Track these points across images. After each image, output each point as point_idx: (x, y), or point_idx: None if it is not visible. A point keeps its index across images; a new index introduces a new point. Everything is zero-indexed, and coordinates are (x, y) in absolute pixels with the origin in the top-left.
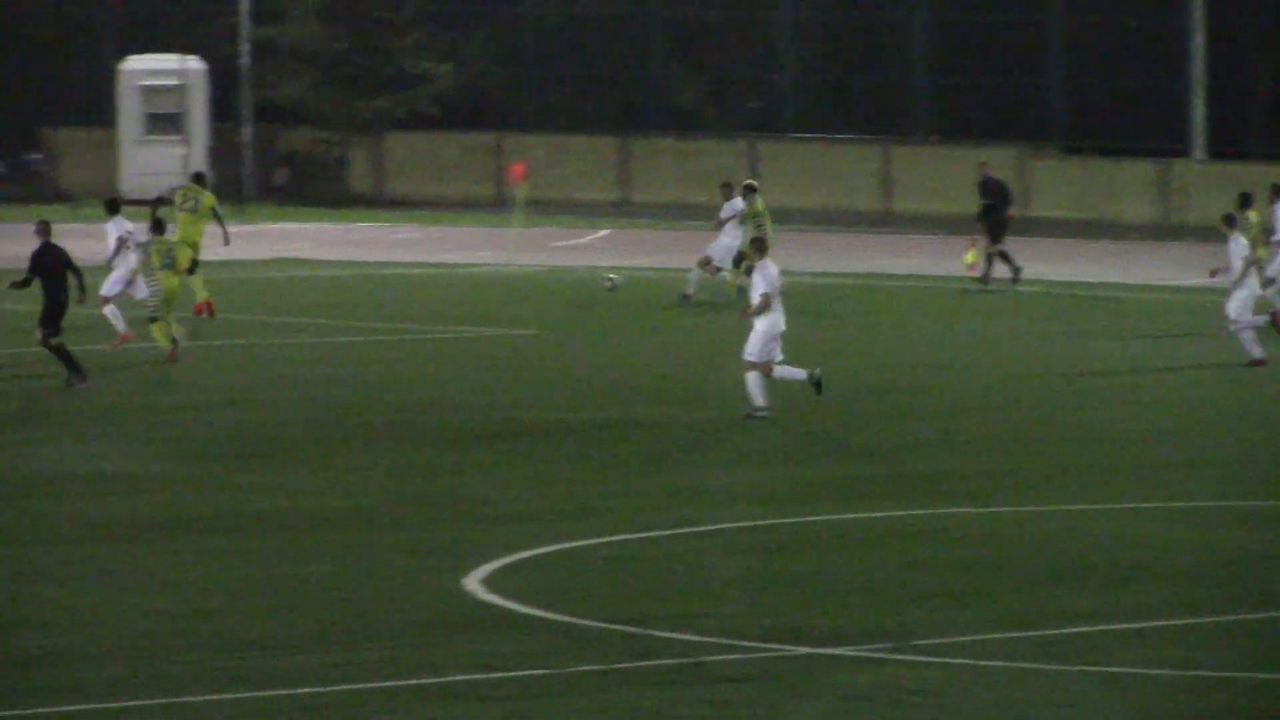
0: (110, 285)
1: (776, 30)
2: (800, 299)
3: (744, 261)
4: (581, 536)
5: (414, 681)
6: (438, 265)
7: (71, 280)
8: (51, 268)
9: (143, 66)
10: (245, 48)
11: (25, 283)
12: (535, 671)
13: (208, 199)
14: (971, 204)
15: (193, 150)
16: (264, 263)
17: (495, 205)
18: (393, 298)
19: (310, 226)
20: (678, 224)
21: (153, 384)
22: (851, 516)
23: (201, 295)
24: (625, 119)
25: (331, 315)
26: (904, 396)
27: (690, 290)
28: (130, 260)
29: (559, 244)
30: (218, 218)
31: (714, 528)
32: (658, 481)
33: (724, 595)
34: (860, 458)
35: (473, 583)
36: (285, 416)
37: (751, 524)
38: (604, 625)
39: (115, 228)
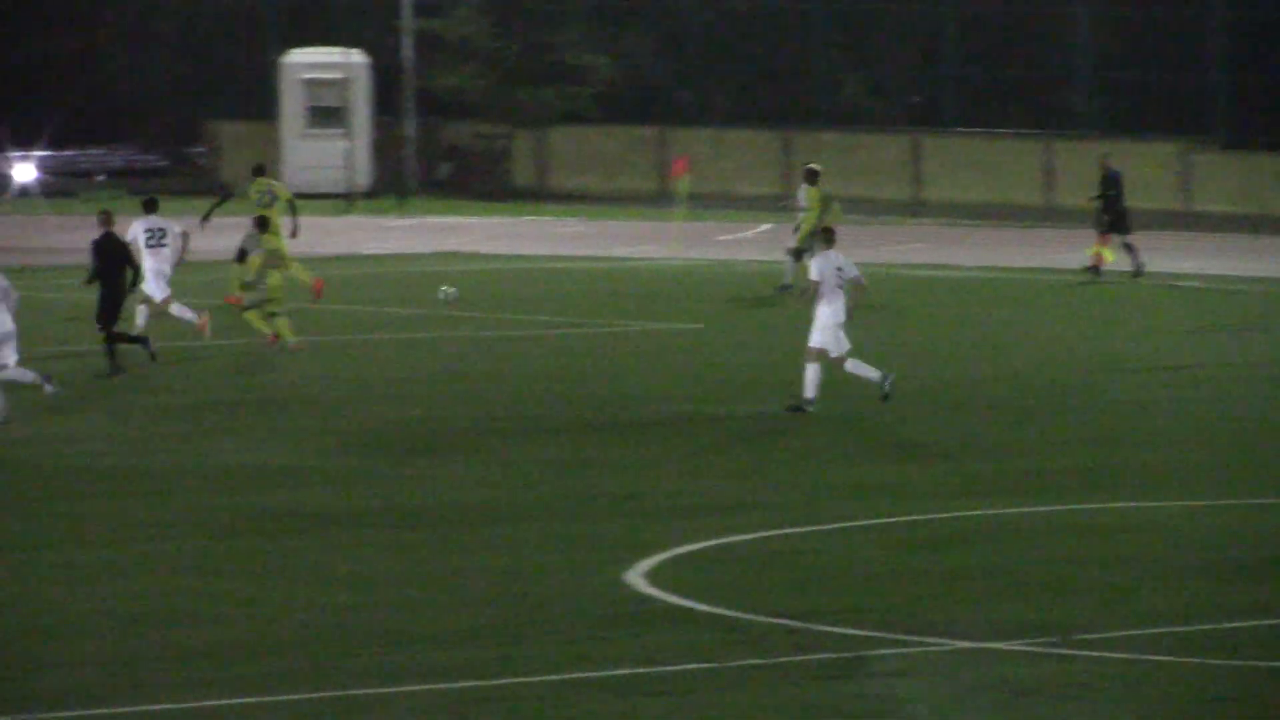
0: (156, 289)
1: (938, 23)
2: (949, 294)
3: (804, 253)
4: (743, 531)
5: (577, 675)
6: (601, 259)
7: (128, 271)
8: (111, 258)
9: (305, 60)
10: (408, 41)
11: (95, 275)
12: (697, 665)
13: (284, 192)
14: (1137, 199)
15: (355, 144)
16: (427, 256)
17: (658, 199)
18: (556, 292)
19: (473, 220)
20: (842, 218)
21: (315, 378)
22: (1004, 511)
23: (305, 278)
24: (787, 113)
25: (494, 309)
26: (1058, 394)
27: (788, 280)
28: (149, 258)
29: (723, 238)
30: (293, 210)
31: (871, 522)
32: (817, 476)
33: (883, 589)
34: (1006, 453)
35: (635, 577)
36: (449, 410)
37: (908, 519)
38: (765, 619)
39: (140, 226)
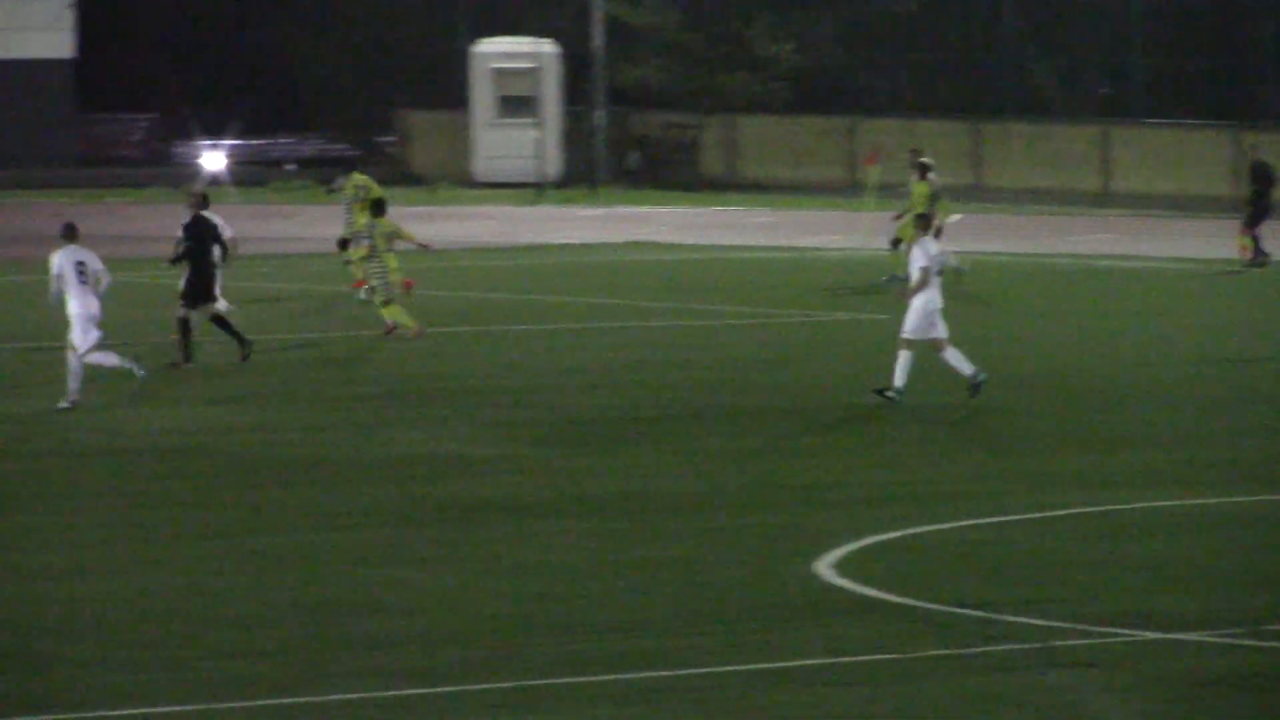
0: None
1: (1127, 13)
2: (1134, 284)
3: (900, 243)
4: (931, 521)
5: (763, 666)
6: (789, 249)
7: (217, 251)
8: (202, 239)
9: (496, 49)
10: (598, 30)
11: (184, 255)
12: (884, 656)
13: (377, 190)
14: None
15: (545, 133)
16: (616, 246)
17: (847, 189)
18: (744, 281)
19: (663, 210)
20: (1029, 208)
21: (501, 367)
22: (1191, 502)
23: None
24: (977, 103)
25: (683, 298)
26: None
27: (897, 272)
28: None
29: None
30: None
31: (1060, 513)
32: (1006, 466)
33: (1071, 579)
34: (1194, 443)
35: (823, 567)
36: (636, 399)
37: (1096, 509)
38: (953, 609)
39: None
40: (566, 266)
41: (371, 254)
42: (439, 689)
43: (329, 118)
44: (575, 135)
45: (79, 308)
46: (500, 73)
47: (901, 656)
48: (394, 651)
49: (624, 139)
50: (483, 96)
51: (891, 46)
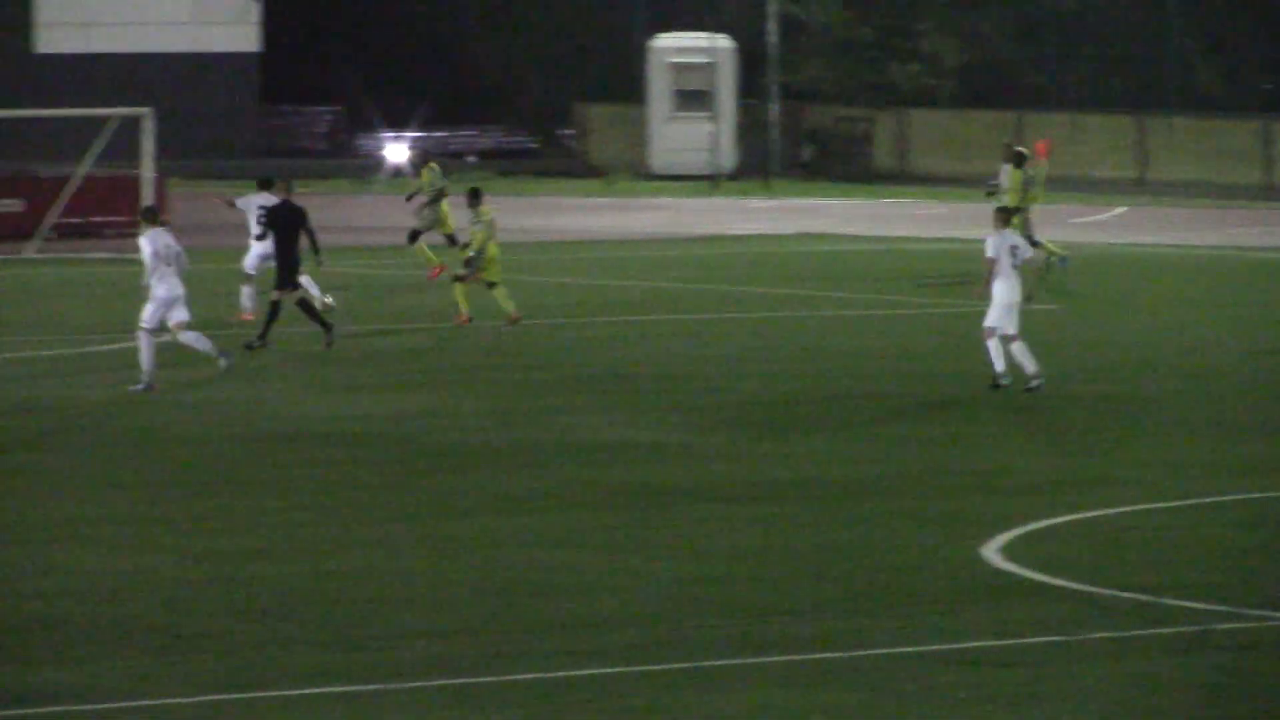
0: (250, 262)
1: None
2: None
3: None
4: (1098, 506)
5: (932, 648)
6: (959, 241)
7: (306, 240)
8: (285, 224)
9: (672, 44)
10: (772, 27)
11: (261, 236)
12: (1050, 638)
13: (440, 182)
14: None
15: (720, 127)
16: (789, 237)
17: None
18: (915, 272)
19: (835, 202)
20: (1194, 202)
21: (678, 355)
22: None
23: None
24: (1140, 97)
25: (854, 288)
26: None
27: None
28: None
29: (1077, 220)
30: (438, 197)
31: (1228, 498)
32: (1174, 453)
33: (1237, 565)
34: None
35: (990, 551)
36: (810, 387)
37: (1264, 495)
38: (1117, 593)
39: (252, 202)
40: (740, 256)
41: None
42: (614, 669)
43: (509, 111)
44: (748, 128)
45: (163, 290)
46: (677, 67)
47: (1067, 639)
48: (571, 633)
49: (797, 132)
50: (659, 90)
51: (1057, 42)
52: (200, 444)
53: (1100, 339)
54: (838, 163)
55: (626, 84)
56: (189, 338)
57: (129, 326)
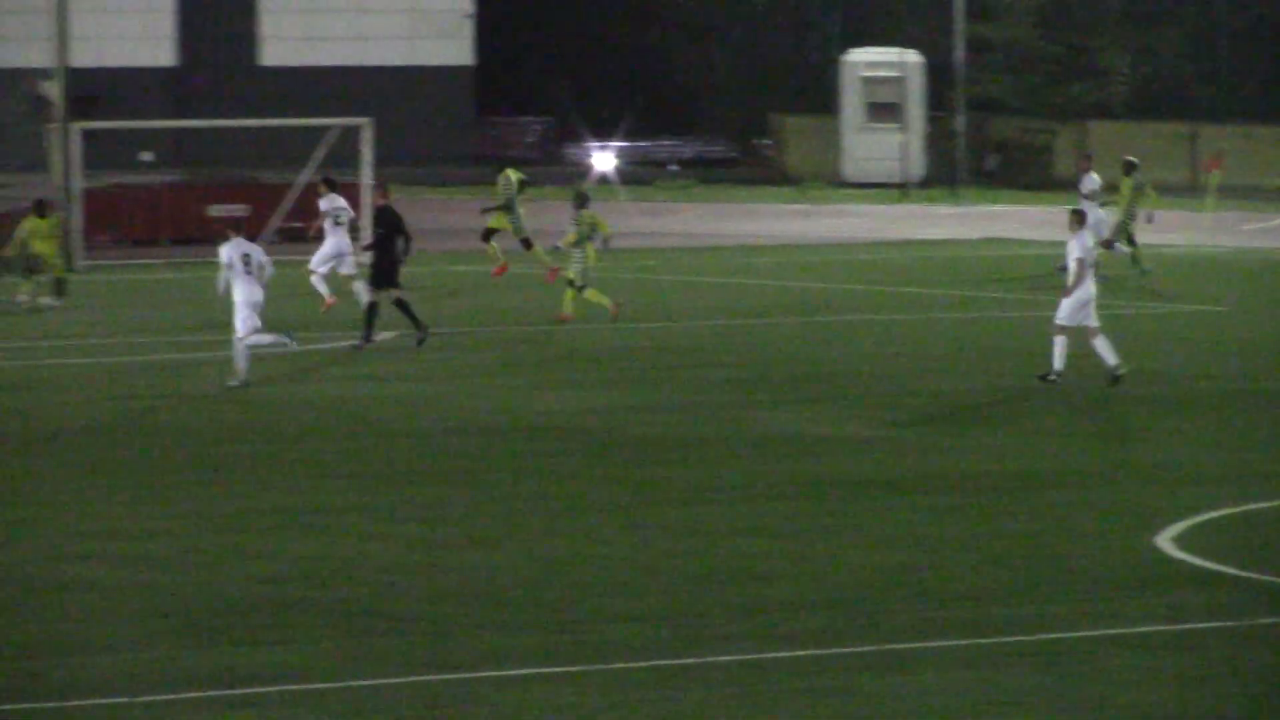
0: (318, 260)
1: None
2: None
3: (1114, 243)
4: (1265, 498)
5: (1105, 632)
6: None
7: (401, 241)
8: (389, 226)
9: (864, 59)
10: (959, 43)
11: (378, 241)
12: (1219, 624)
13: (513, 188)
14: None
15: (909, 138)
16: (973, 242)
17: (1188, 191)
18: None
19: (1017, 209)
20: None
21: (864, 354)
22: None
23: (546, 260)
24: None
25: (1034, 291)
26: None
27: (1144, 265)
28: (339, 236)
29: (1248, 227)
30: (511, 205)
31: None
32: None
33: None
34: None
35: (1163, 541)
36: (987, 383)
37: None
38: None
39: (327, 204)
40: (928, 261)
41: (577, 242)
42: (804, 652)
43: (709, 121)
44: (936, 139)
45: (243, 296)
46: (868, 81)
47: (1236, 624)
48: (764, 617)
49: (982, 142)
50: (852, 102)
51: (1233, 57)
52: (412, 437)
53: (1266, 340)
54: (1020, 172)
55: (821, 96)
56: (255, 339)
57: (342, 326)
